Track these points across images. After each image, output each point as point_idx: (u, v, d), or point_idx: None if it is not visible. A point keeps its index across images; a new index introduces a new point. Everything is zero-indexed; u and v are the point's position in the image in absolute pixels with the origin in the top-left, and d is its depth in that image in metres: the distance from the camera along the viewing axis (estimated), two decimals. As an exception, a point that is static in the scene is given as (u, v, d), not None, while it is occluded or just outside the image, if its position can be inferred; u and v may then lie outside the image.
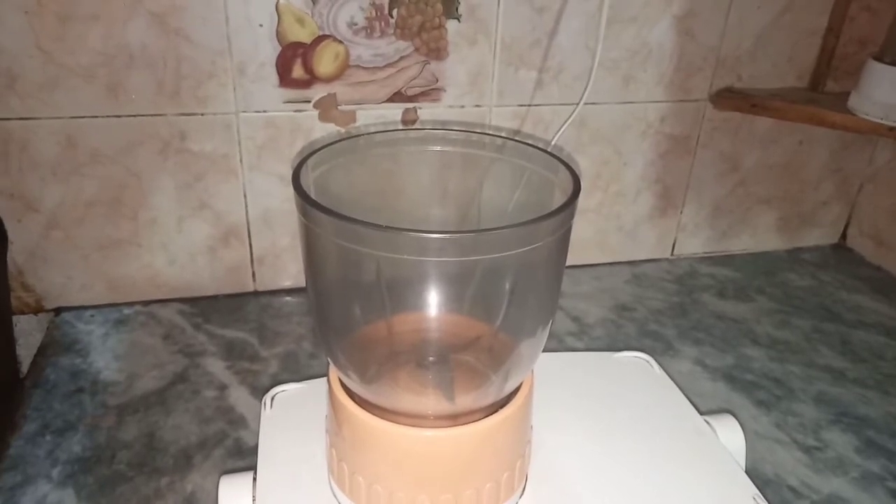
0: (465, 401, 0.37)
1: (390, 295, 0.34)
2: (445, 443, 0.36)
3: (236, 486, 0.41)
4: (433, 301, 0.34)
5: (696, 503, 0.42)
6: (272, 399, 0.48)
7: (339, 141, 0.38)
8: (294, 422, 0.46)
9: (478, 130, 0.39)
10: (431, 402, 0.38)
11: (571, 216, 0.33)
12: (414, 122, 0.81)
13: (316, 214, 0.32)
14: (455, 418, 0.37)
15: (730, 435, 0.49)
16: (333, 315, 0.37)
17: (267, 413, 0.47)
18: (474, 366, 0.37)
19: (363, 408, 0.37)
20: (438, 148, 0.41)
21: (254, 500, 0.40)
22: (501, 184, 0.43)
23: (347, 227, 0.31)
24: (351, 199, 0.39)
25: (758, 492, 0.42)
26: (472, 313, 0.37)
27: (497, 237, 0.31)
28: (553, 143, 0.69)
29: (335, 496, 0.40)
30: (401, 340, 0.37)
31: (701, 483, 0.43)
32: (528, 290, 0.36)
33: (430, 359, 0.36)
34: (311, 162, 0.35)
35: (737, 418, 0.51)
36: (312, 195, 0.33)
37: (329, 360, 0.38)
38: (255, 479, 0.42)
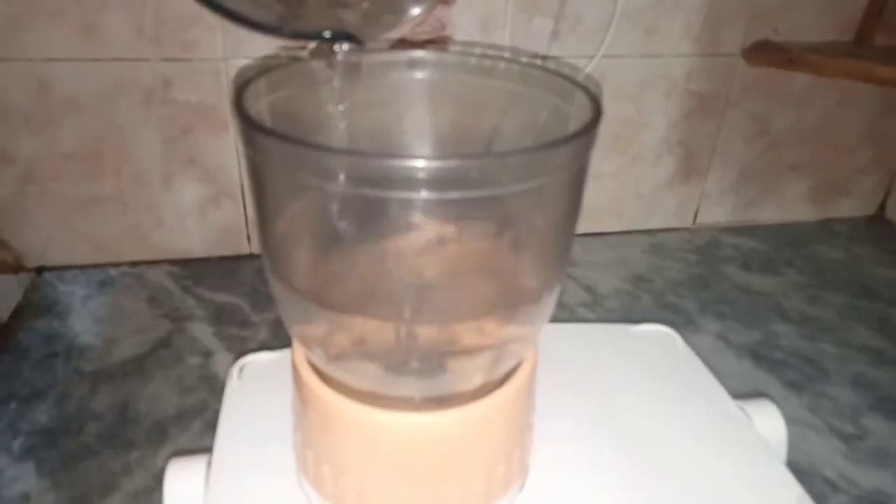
0: (451, 379, 0.32)
1: (359, 243, 0.28)
2: (427, 429, 0.31)
3: (187, 472, 0.36)
4: (414, 252, 0.29)
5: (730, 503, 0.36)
6: (241, 369, 0.43)
7: (299, 62, 0.32)
8: (264, 397, 0.41)
9: (479, 52, 0.33)
10: (411, 380, 0.32)
11: (589, 145, 0.27)
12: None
13: (261, 141, 0.26)
14: (440, 400, 0.31)
15: (767, 423, 0.43)
16: (288, 271, 0.31)
17: (233, 385, 0.42)
18: (465, 335, 0.31)
19: (330, 386, 0.32)
20: (428, 75, 0.35)
21: (207, 486, 0.35)
22: (513, 121, 0.36)
23: (301, 154, 0.25)
24: (317, 136, 0.33)
25: (803, 491, 0.36)
26: (462, 268, 0.31)
27: (496, 166, 0.25)
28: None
29: (301, 487, 0.35)
30: (375, 301, 0.31)
31: (735, 478, 0.37)
32: (531, 242, 0.30)
33: (411, 328, 0.30)
34: (262, 84, 0.29)
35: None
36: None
37: (289, 331, 0.33)
38: (209, 462, 0.37)
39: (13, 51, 0.65)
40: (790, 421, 0.60)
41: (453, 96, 0.35)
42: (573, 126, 0.28)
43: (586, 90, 0.30)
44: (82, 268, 0.78)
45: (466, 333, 0.31)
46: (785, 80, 0.84)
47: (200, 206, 0.77)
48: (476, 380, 0.32)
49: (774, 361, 0.68)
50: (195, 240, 0.79)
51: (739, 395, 0.49)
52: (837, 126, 0.90)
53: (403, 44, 0.72)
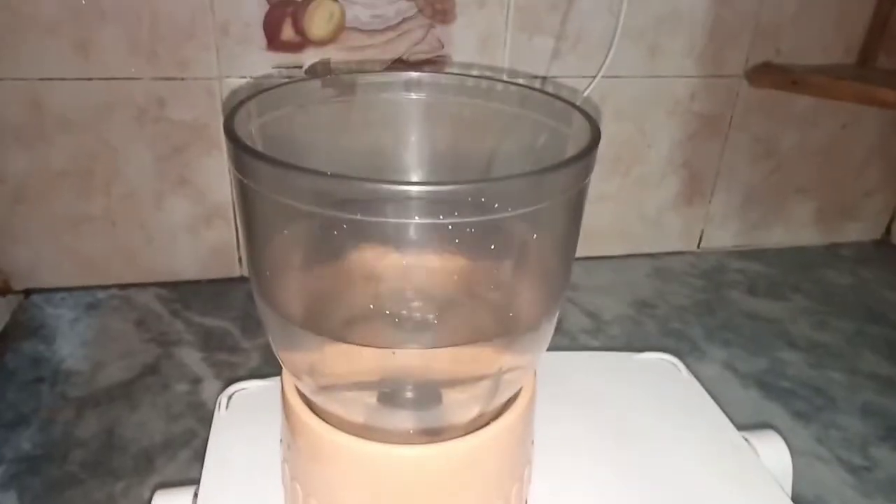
0: (446, 410, 0.30)
1: (351, 268, 0.27)
2: (421, 463, 0.29)
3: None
4: (408, 278, 0.27)
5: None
6: (229, 398, 0.41)
7: (292, 83, 0.31)
8: (252, 427, 0.39)
9: (476, 74, 0.31)
10: (404, 411, 0.30)
11: (587, 170, 0.25)
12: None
13: (251, 164, 0.24)
14: (435, 432, 0.29)
15: (773, 454, 0.41)
16: (278, 295, 0.29)
17: (221, 415, 0.40)
18: (460, 364, 0.30)
19: (321, 416, 0.30)
20: (425, 96, 0.33)
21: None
22: (510, 144, 0.35)
23: (292, 179, 0.23)
24: (311, 160, 0.31)
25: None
26: (457, 294, 0.30)
27: (491, 191, 0.23)
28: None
29: (288, 521, 0.33)
30: (367, 327, 0.29)
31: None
32: (529, 267, 0.28)
33: (404, 356, 0.28)
34: (253, 106, 0.28)
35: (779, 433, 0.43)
36: (258, 148, 0.26)
37: (279, 358, 0.31)
38: (196, 494, 0.35)
39: (6, 69, 0.64)
40: (797, 451, 0.58)
41: (450, 118, 0.34)
42: (571, 149, 0.27)
43: (584, 113, 0.28)
44: (70, 290, 0.76)
45: (462, 362, 0.30)
46: (789, 102, 0.83)
47: (191, 225, 0.75)
48: (472, 411, 0.30)
49: (781, 390, 0.66)
50: (185, 261, 0.77)
51: (746, 424, 0.47)
52: (843, 148, 0.89)
53: (401, 63, 0.71)
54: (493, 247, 0.26)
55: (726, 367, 0.69)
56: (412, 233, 0.24)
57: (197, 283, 0.78)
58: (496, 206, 0.23)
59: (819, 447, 0.59)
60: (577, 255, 0.32)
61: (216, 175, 0.73)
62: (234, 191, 0.26)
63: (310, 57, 0.69)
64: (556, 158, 0.25)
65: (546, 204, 0.25)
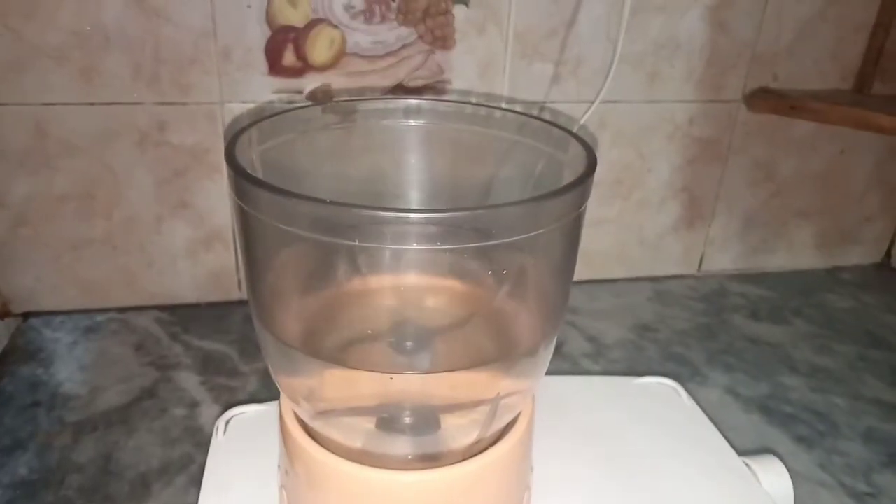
0: (445, 436, 0.30)
1: (350, 293, 0.27)
2: (420, 489, 0.29)
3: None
4: (405, 305, 0.27)
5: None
6: (227, 423, 0.41)
7: (292, 110, 0.31)
8: (250, 452, 0.39)
9: (475, 102, 0.32)
10: (403, 437, 0.30)
11: (584, 197, 0.25)
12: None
13: (251, 191, 0.24)
14: (433, 458, 0.29)
15: (774, 480, 0.40)
16: (277, 320, 0.29)
17: (218, 440, 0.40)
18: (459, 389, 0.29)
19: (319, 442, 0.29)
20: (424, 122, 0.33)
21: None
22: (508, 171, 0.35)
23: (291, 206, 0.23)
24: (312, 186, 0.31)
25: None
26: (455, 320, 0.30)
27: (489, 219, 0.23)
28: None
29: (285, 549, 0.32)
30: (365, 353, 0.29)
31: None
32: (527, 293, 0.28)
33: (402, 381, 0.28)
34: (254, 133, 0.28)
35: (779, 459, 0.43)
36: (259, 175, 0.26)
37: (277, 383, 0.31)
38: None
39: (12, 95, 0.64)
40: (800, 477, 0.58)
41: (449, 144, 0.34)
42: (568, 175, 0.27)
43: (581, 140, 0.28)
44: (69, 313, 0.76)
45: (460, 387, 0.29)
46: (787, 127, 0.83)
47: (191, 249, 0.75)
48: (471, 436, 0.30)
49: (783, 415, 0.66)
50: (185, 284, 0.77)
51: (748, 450, 0.47)
52: (842, 173, 0.89)
53: (401, 88, 0.72)
54: (490, 272, 0.26)
55: (728, 392, 0.69)
56: (411, 259, 0.24)
57: (196, 306, 0.78)
58: (493, 232, 0.23)
59: (822, 473, 0.59)
60: (578, 278, 0.32)
61: (216, 199, 0.73)
62: (234, 216, 0.26)
63: (311, 82, 0.70)
64: (554, 184, 0.25)
65: (543, 230, 0.25)
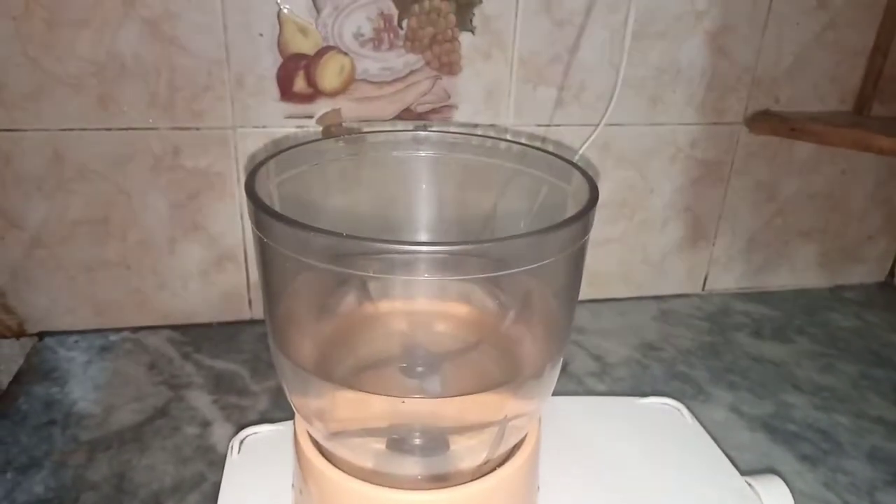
0: (454, 456, 0.31)
1: (363, 320, 0.28)
2: (429, 508, 0.30)
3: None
4: (415, 331, 0.28)
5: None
6: (241, 443, 0.42)
7: (307, 143, 0.32)
8: (264, 471, 0.40)
9: (480, 133, 0.33)
10: (413, 458, 0.31)
11: (586, 228, 0.27)
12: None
13: (270, 224, 0.26)
14: (441, 479, 0.30)
15: (776, 500, 0.41)
16: (293, 345, 0.30)
17: (233, 459, 0.41)
18: (467, 411, 0.30)
19: (332, 462, 0.31)
20: (432, 153, 0.35)
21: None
22: (512, 198, 0.37)
23: (306, 239, 0.25)
24: (326, 215, 0.33)
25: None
26: (464, 345, 0.31)
27: (496, 250, 0.24)
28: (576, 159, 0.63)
29: (299, 567, 0.33)
30: (377, 377, 0.30)
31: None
32: (533, 318, 0.29)
33: (413, 404, 0.29)
34: (272, 166, 0.30)
35: (782, 478, 0.44)
36: (276, 207, 0.27)
37: (292, 404, 0.32)
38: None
39: (31, 121, 0.66)
40: (804, 497, 0.58)
41: (456, 173, 0.36)
42: (572, 202, 0.29)
43: (583, 172, 0.30)
44: (83, 333, 0.77)
45: (469, 410, 0.30)
46: (788, 149, 0.85)
47: (203, 269, 0.77)
48: (479, 457, 0.31)
49: (788, 434, 0.66)
50: (197, 304, 0.79)
51: (753, 469, 0.48)
52: (844, 193, 0.90)
53: (409, 113, 0.74)
54: (497, 299, 0.27)
55: (732, 411, 0.69)
56: (421, 287, 0.25)
57: (208, 325, 0.80)
58: (500, 263, 0.24)
59: (826, 492, 0.59)
60: (584, 297, 0.33)
61: (228, 220, 0.75)
62: (254, 247, 0.28)
63: (321, 107, 0.72)
64: (557, 212, 0.27)
65: (548, 261, 0.26)
